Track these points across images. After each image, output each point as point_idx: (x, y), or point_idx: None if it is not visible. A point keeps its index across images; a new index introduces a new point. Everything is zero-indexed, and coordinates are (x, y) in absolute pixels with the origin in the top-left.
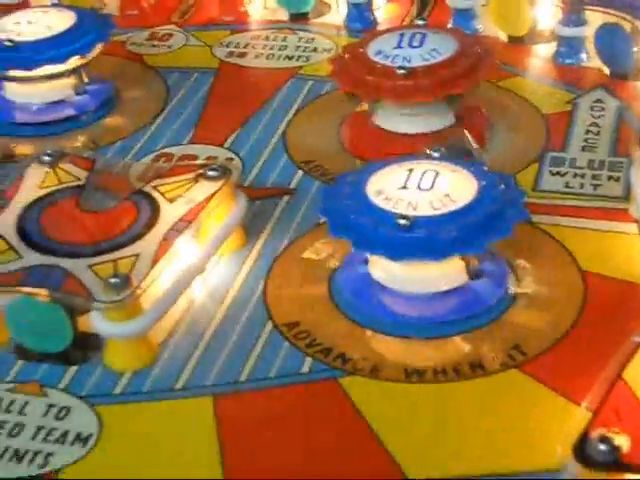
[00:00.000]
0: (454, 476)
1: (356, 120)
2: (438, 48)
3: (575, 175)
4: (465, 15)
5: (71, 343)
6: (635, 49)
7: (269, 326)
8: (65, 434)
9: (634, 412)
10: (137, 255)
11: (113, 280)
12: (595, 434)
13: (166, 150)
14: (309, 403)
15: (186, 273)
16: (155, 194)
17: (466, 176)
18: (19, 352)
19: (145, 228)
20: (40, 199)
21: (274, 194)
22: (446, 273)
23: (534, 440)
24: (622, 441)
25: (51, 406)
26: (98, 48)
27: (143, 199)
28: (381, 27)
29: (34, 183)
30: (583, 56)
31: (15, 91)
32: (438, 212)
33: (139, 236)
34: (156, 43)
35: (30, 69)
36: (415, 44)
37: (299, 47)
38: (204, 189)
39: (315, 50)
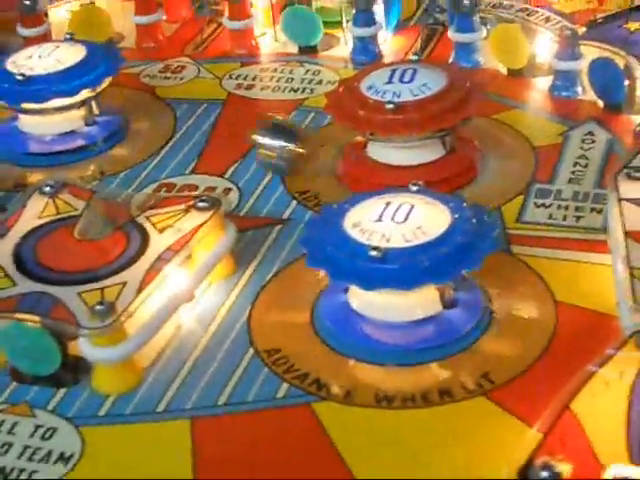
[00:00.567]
0: None
1: (351, 151)
2: (428, 83)
3: (559, 207)
4: (466, 49)
5: (60, 367)
6: (626, 82)
7: (250, 352)
8: (49, 453)
9: (578, 441)
10: (124, 283)
11: (98, 307)
12: (539, 461)
13: (169, 180)
14: (282, 427)
15: (172, 300)
16: (146, 224)
17: (440, 209)
18: (14, 374)
19: (134, 257)
20: (38, 228)
21: (267, 224)
22: (420, 302)
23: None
24: (564, 469)
25: (38, 427)
26: (107, 81)
27: (134, 229)
28: (385, 60)
29: (34, 213)
30: (578, 89)
31: (28, 123)
32: (409, 244)
33: (127, 265)
34: (169, 75)
35: (41, 102)
36: (406, 79)
37: (305, 79)
38: (193, 220)
39: (320, 82)
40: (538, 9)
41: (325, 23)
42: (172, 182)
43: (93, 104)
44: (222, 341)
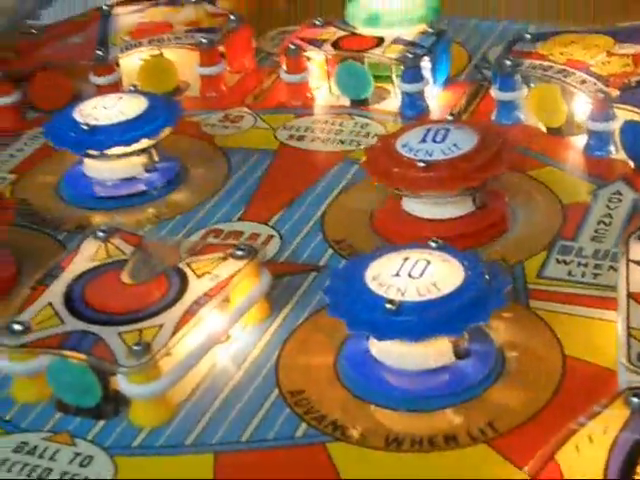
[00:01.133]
0: None
1: (388, 204)
2: (458, 143)
3: (579, 264)
4: (508, 106)
5: (101, 400)
6: None
7: (275, 392)
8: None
9: None
10: (161, 325)
11: (135, 347)
12: None
13: (217, 226)
14: (297, 464)
15: (206, 341)
16: (187, 270)
17: (456, 266)
18: (58, 405)
19: (172, 301)
20: (89, 271)
21: (303, 270)
22: (434, 352)
23: None
24: None
25: (77, 454)
26: (166, 131)
27: (176, 274)
28: (433, 115)
29: (87, 256)
30: (611, 149)
31: (93, 168)
32: (423, 298)
33: (165, 308)
34: (227, 124)
35: (103, 150)
36: (438, 139)
37: (353, 132)
38: (230, 267)
39: (367, 135)
40: (575, 71)
41: (377, 77)
42: (220, 228)
43: (153, 152)
44: (251, 380)
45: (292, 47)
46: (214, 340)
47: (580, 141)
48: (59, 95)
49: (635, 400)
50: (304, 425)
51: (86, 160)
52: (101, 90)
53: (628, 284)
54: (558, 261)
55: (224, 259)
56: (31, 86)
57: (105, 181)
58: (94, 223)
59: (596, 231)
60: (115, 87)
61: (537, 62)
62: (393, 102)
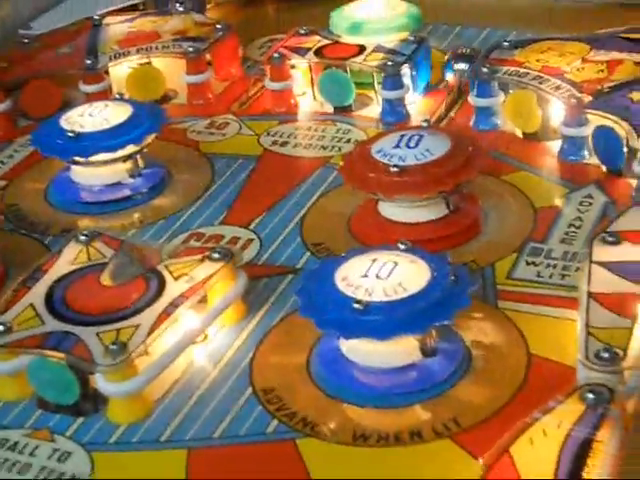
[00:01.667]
0: None
1: (364, 208)
2: (431, 148)
3: (548, 265)
4: (486, 112)
5: (80, 398)
6: (625, 149)
7: (249, 390)
8: (62, 474)
9: None
10: (137, 325)
11: (112, 347)
12: None
13: (199, 230)
14: (268, 459)
15: (182, 341)
16: (164, 272)
17: (423, 267)
18: (39, 403)
19: (149, 302)
20: (70, 273)
21: (280, 273)
22: (401, 351)
23: None
24: None
25: (56, 450)
26: (150, 138)
27: (154, 276)
28: (413, 121)
29: (68, 259)
30: (585, 153)
31: (80, 174)
32: (389, 298)
33: (142, 309)
34: (213, 131)
35: (88, 157)
36: (411, 145)
37: (335, 138)
38: (206, 269)
39: (349, 141)
40: (550, 77)
41: (360, 84)
42: (202, 232)
43: (138, 158)
44: (226, 379)
45: (276, 55)
46: (190, 340)
47: (555, 146)
48: (50, 103)
49: (590, 396)
50: (275, 422)
51: (73, 166)
52: (90, 98)
53: (589, 284)
54: (527, 263)
55: (201, 261)
56: (22, 95)
57: (91, 187)
58: (80, 227)
59: (566, 234)
60: (104, 95)
61: (513, 69)
62: (375, 109)
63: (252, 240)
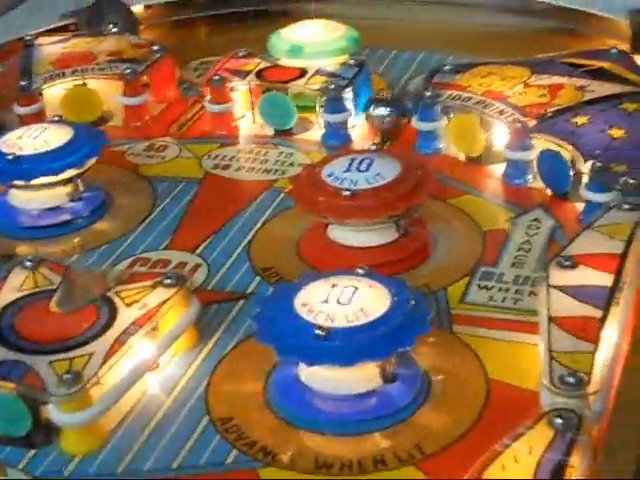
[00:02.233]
0: None
1: (314, 232)
2: (382, 172)
3: (500, 289)
4: (428, 136)
5: (32, 429)
6: (571, 173)
7: (205, 420)
8: None
9: None
10: (91, 354)
11: (66, 376)
12: None
13: (144, 255)
14: None
15: (136, 369)
16: (116, 299)
17: (382, 292)
18: None
19: (102, 330)
20: (17, 300)
21: (230, 298)
22: (362, 377)
23: None
24: None
25: None
26: (91, 161)
27: (105, 303)
28: (355, 144)
29: (14, 286)
30: (529, 177)
31: (18, 198)
32: (351, 324)
33: (95, 337)
34: (152, 154)
35: (29, 180)
36: (362, 168)
37: (278, 161)
38: (159, 295)
39: (292, 165)
40: (494, 102)
41: (301, 107)
42: (147, 257)
43: (78, 181)
44: (181, 408)
45: (216, 78)
46: (144, 368)
47: (499, 170)
48: None
49: (558, 421)
50: (235, 451)
51: (11, 190)
52: (24, 120)
53: (549, 308)
54: (480, 287)
55: (153, 287)
56: None
57: (30, 211)
58: (20, 253)
59: (516, 257)
60: (38, 117)
61: (457, 93)
62: (317, 132)
63: (200, 265)
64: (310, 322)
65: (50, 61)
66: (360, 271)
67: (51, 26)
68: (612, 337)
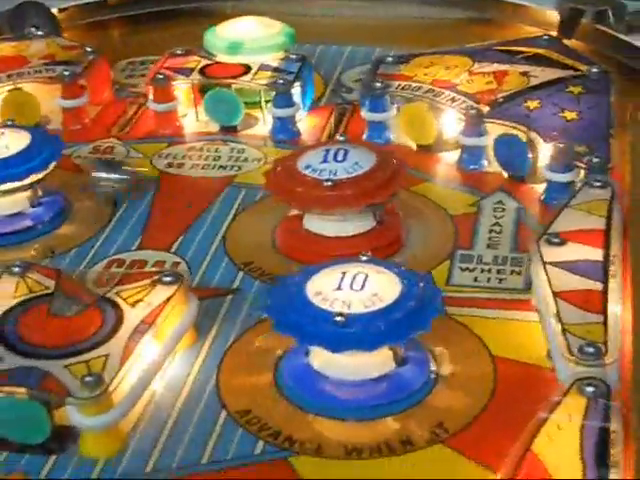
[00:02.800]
0: None
1: (288, 224)
2: (359, 162)
3: (482, 270)
4: (379, 127)
5: (49, 436)
6: (530, 156)
7: (223, 414)
8: None
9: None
10: (107, 355)
11: (88, 379)
12: None
13: (118, 256)
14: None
15: (149, 369)
16: (118, 300)
17: (391, 277)
18: (3, 443)
19: (112, 331)
20: (15, 307)
21: (219, 294)
22: (377, 362)
23: None
24: None
25: None
26: (52, 165)
27: (107, 305)
28: (303, 138)
29: (7, 292)
30: (484, 162)
31: None
32: (369, 309)
33: (107, 338)
34: (99, 156)
35: None
36: (339, 158)
37: (231, 157)
38: (161, 294)
39: (246, 160)
40: (444, 90)
41: (245, 104)
42: (121, 258)
43: (37, 186)
44: (195, 405)
45: (160, 76)
46: (157, 368)
47: (450, 157)
48: None
49: (589, 389)
50: (261, 443)
51: None
52: None
53: (551, 285)
54: (462, 269)
55: (153, 286)
56: None
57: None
58: None
59: (489, 239)
60: None
61: (405, 83)
62: (261, 127)
63: (179, 263)
64: (328, 310)
65: None
66: (363, 257)
67: None
68: (615, 308)
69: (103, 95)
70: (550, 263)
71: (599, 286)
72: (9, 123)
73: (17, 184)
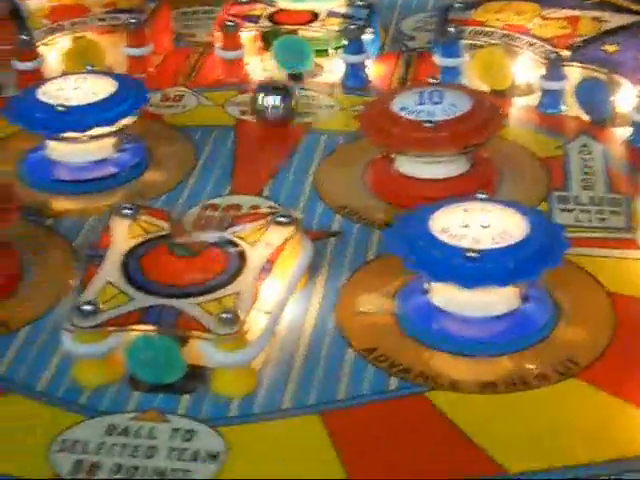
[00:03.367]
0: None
1: (378, 168)
2: (456, 103)
3: (582, 211)
4: (452, 72)
5: (184, 375)
6: (612, 99)
7: (350, 352)
8: (196, 453)
9: None
10: (237, 293)
11: (225, 315)
12: None
13: (211, 201)
14: (404, 415)
15: (277, 308)
16: (236, 239)
17: (514, 214)
18: (134, 384)
19: (237, 269)
20: (135, 248)
21: (323, 237)
22: (502, 299)
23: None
24: None
25: (175, 430)
26: (140, 109)
27: (228, 244)
28: (373, 85)
29: (123, 234)
30: (563, 107)
31: (60, 151)
32: (499, 245)
33: (234, 276)
34: (171, 104)
35: (83, 131)
36: (436, 100)
37: (305, 104)
38: (279, 234)
39: (320, 107)
40: (519, 35)
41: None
42: (214, 203)
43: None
44: (320, 344)
45: (230, 24)
46: (283, 306)
47: (526, 101)
48: None
49: None
50: (394, 379)
51: (50, 144)
52: (22, 76)
53: None
54: (561, 210)
55: (268, 227)
56: None
57: (73, 164)
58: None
59: (583, 180)
60: (38, 73)
61: (478, 28)
62: (328, 75)
63: (273, 207)
64: (459, 246)
65: (43, 15)
66: (481, 196)
67: None
68: None
69: (165, 43)
70: None
71: None
72: (89, 69)
73: (105, 129)
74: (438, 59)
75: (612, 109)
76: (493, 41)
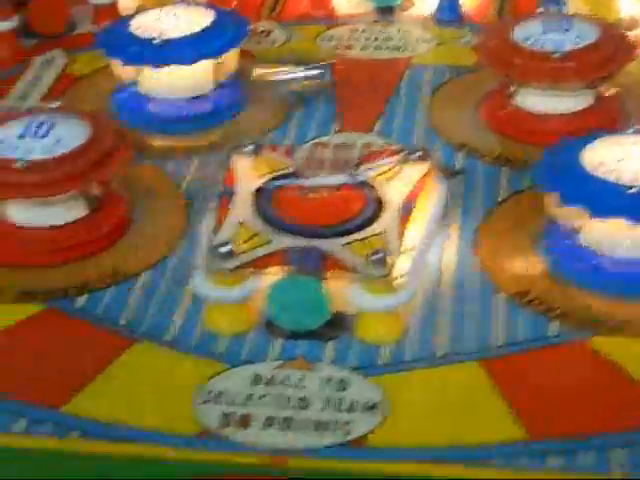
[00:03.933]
0: None
1: (496, 102)
2: (583, 33)
3: None
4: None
5: (329, 320)
6: None
7: (501, 297)
8: (353, 404)
9: None
10: (383, 233)
11: (375, 256)
12: None
13: (320, 140)
14: (571, 361)
15: (422, 248)
16: (370, 177)
17: None
18: (272, 331)
19: (377, 208)
20: (263, 186)
21: (448, 175)
22: None
23: None
24: None
25: (327, 380)
26: (242, 42)
27: (361, 183)
28: (467, 18)
29: (249, 172)
30: None
31: (154, 86)
32: None
33: (376, 216)
34: (259, 39)
35: (187, 64)
36: (566, 28)
37: (401, 38)
38: (414, 170)
39: (417, 41)
40: None
41: None
42: (324, 141)
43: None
44: (466, 288)
45: None
46: (427, 246)
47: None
48: (57, 19)
49: None
50: (553, 324)
51: (144, 80)
52: (99, 11)
53: None
54: None
55: (404, 163)
56: (31, 10)
57: (171, 101)
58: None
59: None
60: (113, 7)
61: None
62: (417, 9)
63: (388, 144)
64: (619, 181)
65: None
66: (630, 130)
67: None
68: None
69: None
70: None
71: None
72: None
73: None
74: None
75: None
76: None
